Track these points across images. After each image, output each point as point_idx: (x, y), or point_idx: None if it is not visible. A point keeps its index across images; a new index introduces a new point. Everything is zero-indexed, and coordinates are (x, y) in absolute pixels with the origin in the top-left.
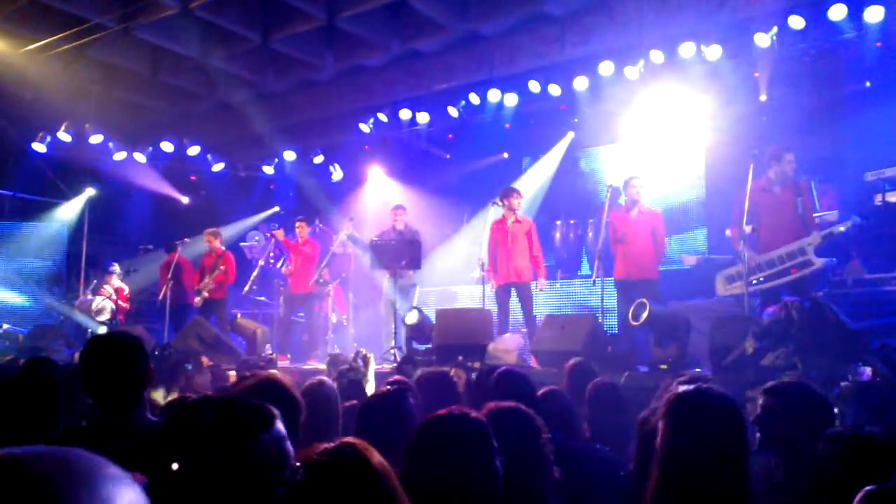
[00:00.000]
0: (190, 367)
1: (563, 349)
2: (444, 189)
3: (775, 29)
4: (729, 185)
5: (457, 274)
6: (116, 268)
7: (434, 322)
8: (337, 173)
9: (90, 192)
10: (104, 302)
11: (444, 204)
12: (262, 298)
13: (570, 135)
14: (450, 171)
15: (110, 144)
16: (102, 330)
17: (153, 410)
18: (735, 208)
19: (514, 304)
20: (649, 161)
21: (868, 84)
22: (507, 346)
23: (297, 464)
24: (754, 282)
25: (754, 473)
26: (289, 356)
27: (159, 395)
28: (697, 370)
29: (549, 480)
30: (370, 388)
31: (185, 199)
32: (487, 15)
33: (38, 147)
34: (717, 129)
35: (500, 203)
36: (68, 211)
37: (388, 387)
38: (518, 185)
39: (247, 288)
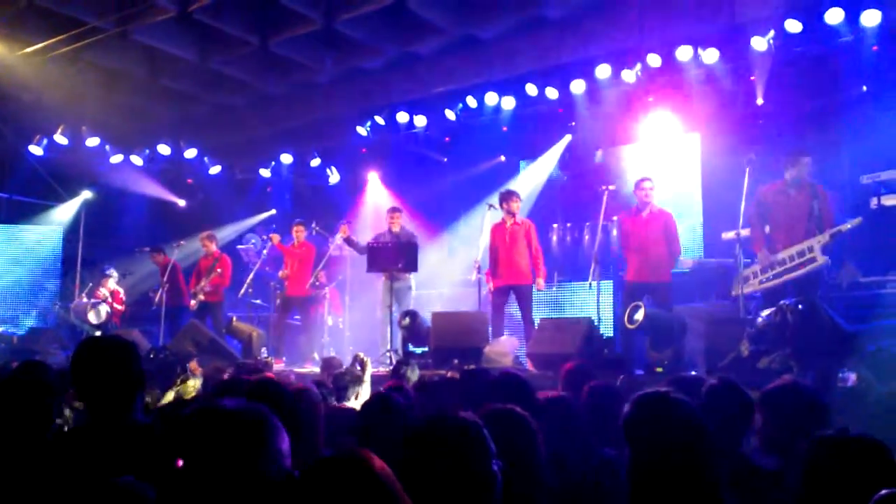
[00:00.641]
0: (186, 368)
1: (559, 352)
2: (441, 192)
3: (772, 33)
4: (725, 188)
5: (453, 277)
6: (112, 271)
7: (430, 325)
8: (334, 176)
9: (86, 194)
10: (100, 305)
11: (441, 207)
12: (258, 301)
13: (568, 138)
14: (447, 174)
15: (107, 147)
16: (97, 333)
17: (147, 413)
18: (746, 212)
19: (511, 307)
20: (646, 164)
21: (864, 88)
22: (503, 349)
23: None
24: (762, 280)
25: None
26: (284, 359)
27: (154, 398)
28: (693, 372)
29: (543, 486)
30: (366, 391)
31: (181, 202)
32: (485, 18)
33: (35, 150)
34: (714, 132)
35: (497, 206)
36: (64, 214)
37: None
38: (515, 187)
39: (243, 291)
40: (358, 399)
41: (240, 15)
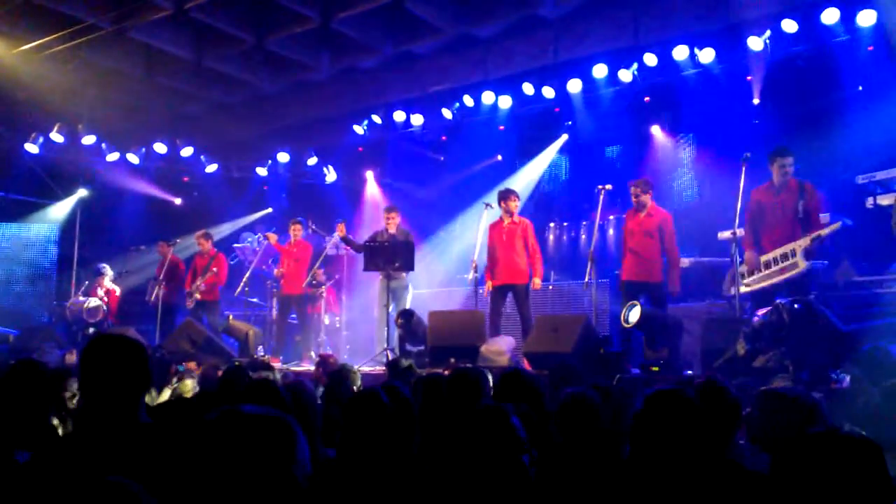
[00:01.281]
0: (182, 368)
1: (556, 351)
2: (438, 191)
3: (768, 32)
4: (721, 188)
5: (450, 275)
6: (108, 269)
7: (427, 324)
8: (331, 175)
9: (82, 192)
10: (95, 303)
11: (438, 206)
12: (255, 300)
13: (564, 137)
14: (444, 173)
15: (103, 145)
16: (91, 331)
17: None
18: (742, 211)
19: (508, 306)
20: (642, 164)
21: (860, 88)
22: (500, 348)
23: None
24: (748, 282)
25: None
26: (281, 358)
27: (149, 397)
28: (690, 372)
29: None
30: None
31: (177, 201)
32: (482, 17)
33: (31, 148)
34: (710, 132)
35: (494, 206)
36: (60, 212)
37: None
38: (512, 186)
39: (239, 289)
40: None
41: (236, 13)
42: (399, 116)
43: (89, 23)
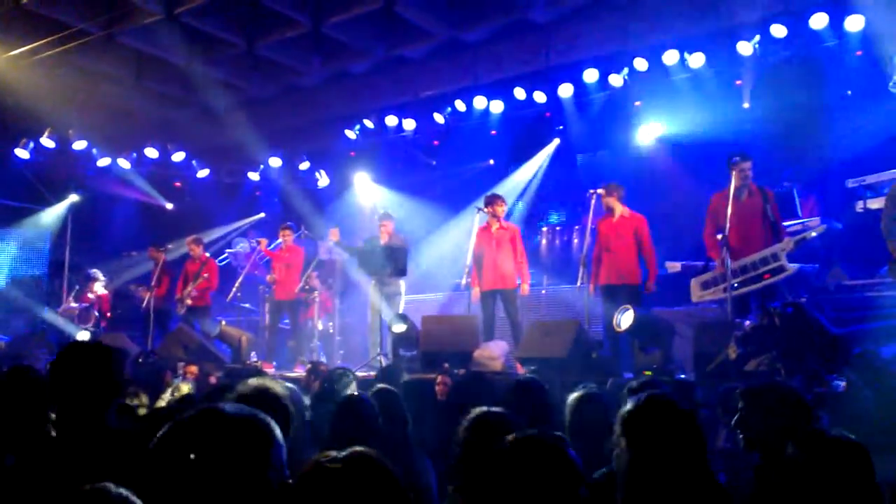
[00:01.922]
0: (176, 372)
1: (549, 355)
2: (431, 195)
3: (758, 37)
4: (711, 192)
5: (443, 281)
6: (99, 275)
7: (420, 329)
8: (323, 179)
9: (73, 198)
10: (87, 309)
11: (431, 210)
12: (248, 305)
13: (556, 141)
14: (436, 178)
15: (94, 150)
16: (85, 336)
17: (136, 418)
18: (709, 216)
19: (500, 310)
20: (633, 168)
21: (849, 92)
22: (493, 353)
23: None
24: (726, 287)
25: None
26: (274, 364)
27: (143, 403)
28: (683, 376)
29: None
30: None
31: (169, 206)
32: (473, 22)
33: (21, 153)
34: (700, 136)
35: (484, 210)
36: (51, 217)
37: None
38: (503, 191)
39: (231, 295)
40: None
41: (226, 17)
42: (391, 121)
43: (79, 28)
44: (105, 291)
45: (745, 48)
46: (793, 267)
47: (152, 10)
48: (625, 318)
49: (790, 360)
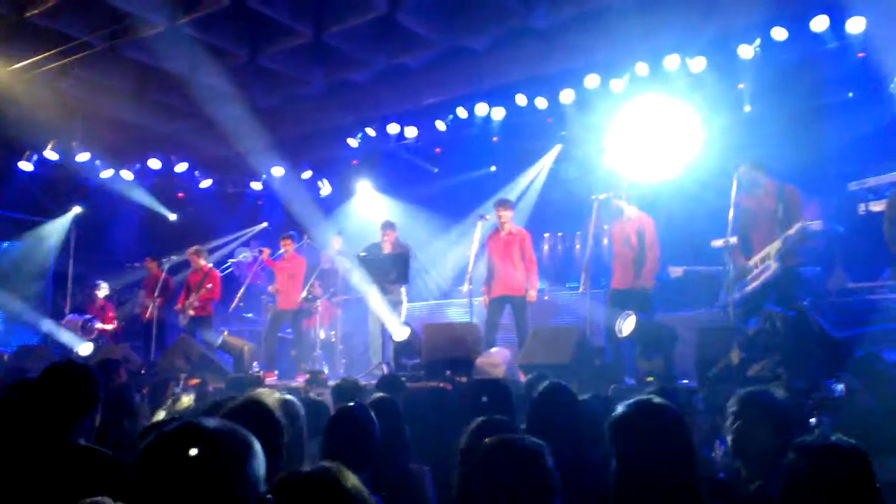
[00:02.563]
0: (178, 388)
1: (551, 362)
2: (433, 203)
3: (758, 41)
4: (713, 196)
5: (445, 288)
6: (103, 286)
7: (422, 337)
8: (325, 188)
9: (77, 210)
10: (91, 321)
11: (433, 218)
12: (250, 315)
13: (558, 147)
14: (438, 185)
15: (97, 162)
16: (88, 348)
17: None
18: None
19: (505, 317)
20: (635, 172)
21: (850, 95)
22: (495, 360)
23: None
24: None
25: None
26: (276, 373)
27: (146, 415)
28: (685, 381)
29: None
30: None
31: (172, 217)
32: (473, 29)
33: (25, 166)
34: (702, 140)
35: (489, 217)
36: (55, 229)
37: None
38: (506, 197)
39: (234, 305)
40: None
41: (228, 28)
42: (393, 129)
43: (82, 40)
44: (108, 303)
45: (746, 51)
46: (776, 265)
47: (155, 22)
48: (626, 325)
49: (792, 364)
